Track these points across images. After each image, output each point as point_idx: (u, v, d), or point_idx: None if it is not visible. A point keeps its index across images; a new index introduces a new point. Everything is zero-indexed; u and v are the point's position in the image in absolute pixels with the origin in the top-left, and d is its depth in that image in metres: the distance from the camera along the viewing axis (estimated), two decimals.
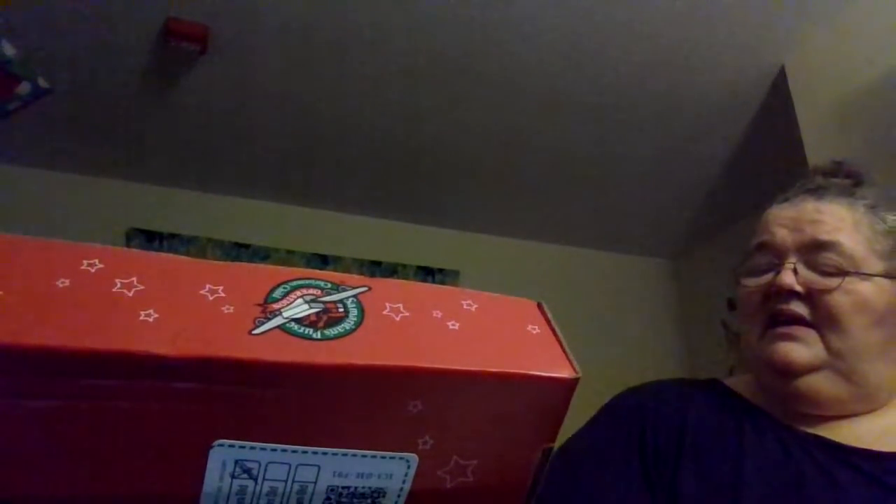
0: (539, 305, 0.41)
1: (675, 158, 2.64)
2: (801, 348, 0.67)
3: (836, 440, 0.66)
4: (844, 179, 0.76)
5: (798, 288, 0.68)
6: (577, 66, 2.15)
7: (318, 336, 0.32)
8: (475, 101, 2.33)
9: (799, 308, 0.68)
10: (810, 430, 0.68)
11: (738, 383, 0.78)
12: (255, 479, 0.33)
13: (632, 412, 0.76)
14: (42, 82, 1.79)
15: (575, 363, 0.36)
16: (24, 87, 1.77)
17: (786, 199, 0.76)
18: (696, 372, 3.06)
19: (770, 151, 2.47)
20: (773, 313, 0.69)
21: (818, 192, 0.74)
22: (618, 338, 3.13)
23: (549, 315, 0.39)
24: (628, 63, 2.14)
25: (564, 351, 0.37)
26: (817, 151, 1.92)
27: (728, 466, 0.66)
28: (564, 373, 0.35)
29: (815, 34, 2.00)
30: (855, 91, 1.84)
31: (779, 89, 2.16)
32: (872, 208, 0.72)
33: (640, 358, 3.04)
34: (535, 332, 0.38)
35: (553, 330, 0.38)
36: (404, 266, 2.99)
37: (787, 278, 0.68)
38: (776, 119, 2.28)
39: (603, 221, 3.15)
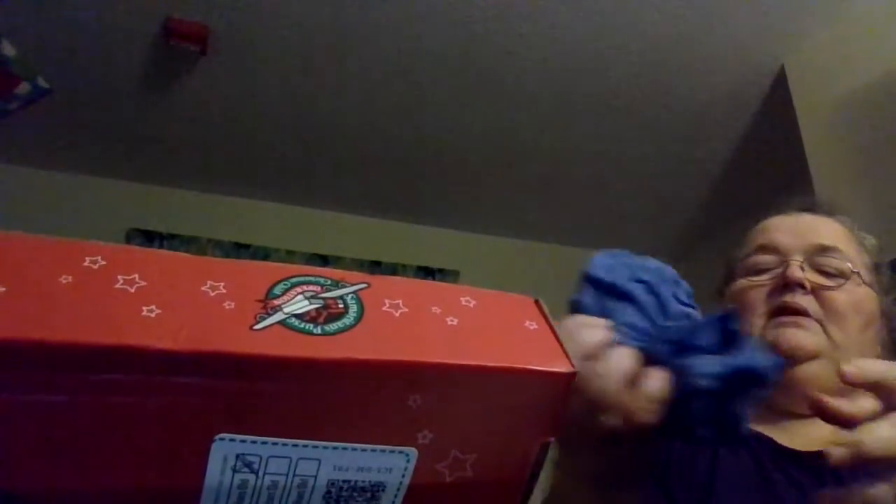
0: (536, 302, 0.41)
1: (676, 158, 2.64)
2: (808, 335, 0.69)
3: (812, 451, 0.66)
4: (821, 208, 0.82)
5: (806, 283, 0.70)
6: (578, 66, 2.16)
7: (319, 331, 0.33)
8: (475, 101, 2.33)
9: (805, 301, 0.70)
10: (785, 442, 0.69)
11: None
12: (256, 473, 0.33)
13: None
14: (42, 82, 1.80)
15: (572, 358, 0.36)
16: (24, 87, 1.78)
17: (780, 212, 0.80)
18: None
19: (770, 151, 2.47)
20: (780, 306, 0.71)
21: (810, 209, 0.80)
22: None
23: (547, 311, 0.40)
24: (628, 63, 2.14)
25: (561, 346, 0.37)
26: (817, 151, 1.93)
27: (700, 484, 0.67)
28: (561, 367, 0.36)
29: (815, 34, 2.00)
30: (855, 91, 1.84)
31: (779, 89, 2.16)
32: (852, 229, 0.78)
33: None
34: (532, 327, 0.38)
35: (550, 326, 0.39)
36: (404, 266, 2.99)
37: (797, 272, 0.71)
38: (776, 119, 2.28)
39: (603, 221, 3.15)
